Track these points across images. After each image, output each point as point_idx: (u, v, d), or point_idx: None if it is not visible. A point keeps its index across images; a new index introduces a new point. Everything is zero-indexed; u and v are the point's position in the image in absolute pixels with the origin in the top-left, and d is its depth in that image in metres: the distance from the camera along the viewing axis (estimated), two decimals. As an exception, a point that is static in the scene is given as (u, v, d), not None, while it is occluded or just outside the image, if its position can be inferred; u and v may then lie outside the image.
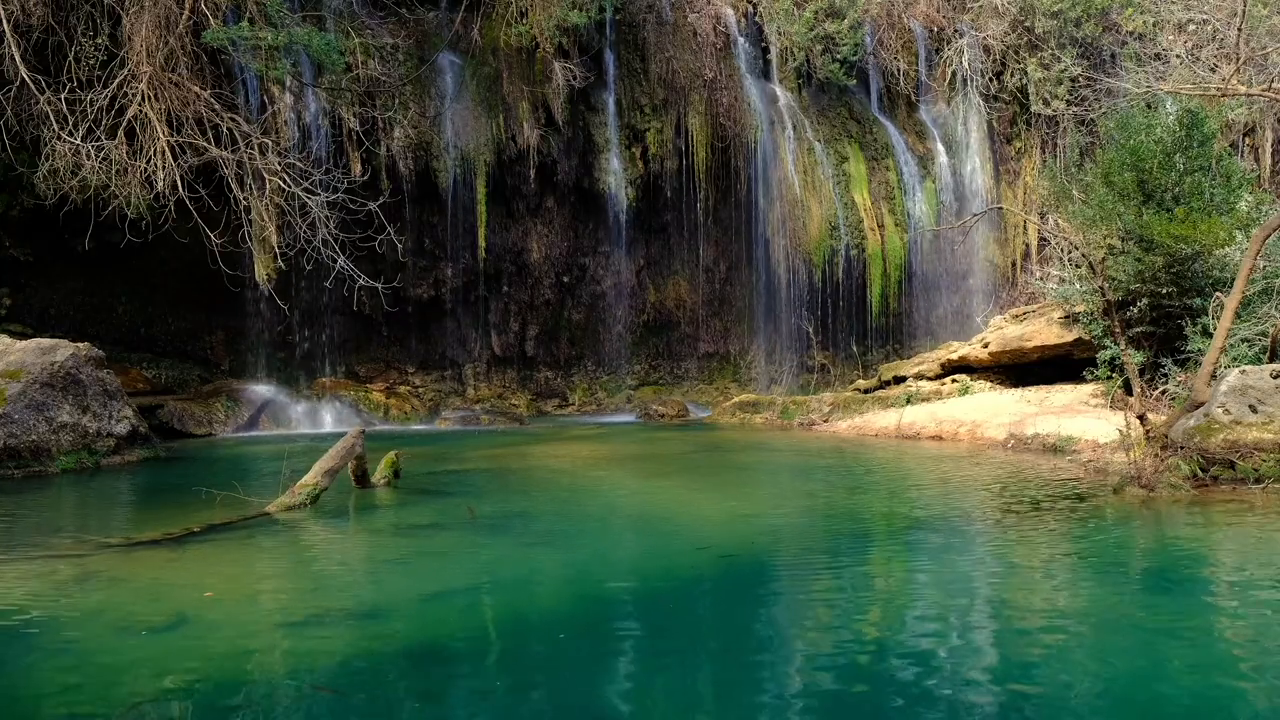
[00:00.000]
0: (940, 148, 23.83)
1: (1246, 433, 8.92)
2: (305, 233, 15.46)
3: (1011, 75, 24.08)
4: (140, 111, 14.69)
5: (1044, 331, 16.11)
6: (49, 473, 11.14)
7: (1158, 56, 20.33)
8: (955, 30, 24.43)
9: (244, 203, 15.45)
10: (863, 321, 23.00)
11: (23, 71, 13.91)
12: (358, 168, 18.59)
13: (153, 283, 18.93)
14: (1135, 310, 13.87)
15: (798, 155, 22.67)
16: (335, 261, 15.28)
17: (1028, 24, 23.67)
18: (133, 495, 10.31)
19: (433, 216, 20.65)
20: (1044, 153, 24.04)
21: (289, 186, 15.22)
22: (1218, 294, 12.26)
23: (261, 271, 17.08)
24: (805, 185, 22.59)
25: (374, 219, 15.80)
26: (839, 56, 23.15)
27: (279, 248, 16.14)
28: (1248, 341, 12.28)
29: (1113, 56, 23.14)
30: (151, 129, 14.67)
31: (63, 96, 14.38)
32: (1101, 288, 11.34)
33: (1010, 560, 6.54)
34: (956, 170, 23.83)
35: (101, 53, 15.13)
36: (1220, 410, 9.15)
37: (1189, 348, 12.84)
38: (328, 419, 18.42)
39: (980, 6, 24.34)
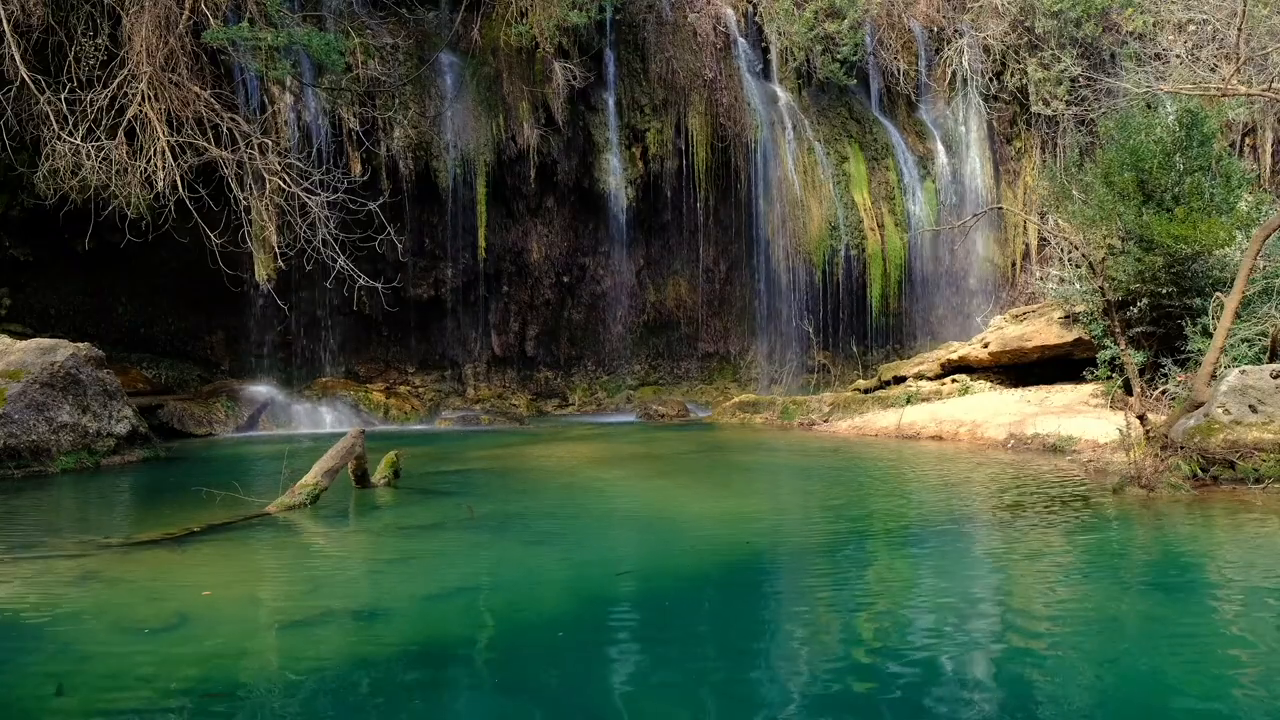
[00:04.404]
0: (940, 148, 23.82)
1: (1246, 433, 8.92)
2: (305, 233, 15.45)
3: (1011, 75, 24.08)
4: (140, 111, 14.68)
5: (1044, 331, 16.11)
6: (49, 473, 11.14)
7: (1158, 56, 20.33)
8: (955, 30, 24.43)
9: (244, 203, 15.43)
10: (863, 321, 23.00)
11: (23, 71, 13.90)
12: (358, 168, 18.59)
13: (153, 283, 18.92)
14: (1135, 310, 13.87)
15: (798, 155, 22.67)
16: (335, 261, 15.27)
17: (1028, 24, 23.67)
18: (133, 495, 10.31)
19: (433, 216, 20.65)
20: (1044, 153, 24.04)
21: (289, 186, 15.21)
22: (1218, 294, 12.25)
23: (261, 271, 17.07)
24: (805, 185, 22.59)
25: (374, 219, 15.79)
26: (839, 56, 23.15)
27: (279, 248, 16.12)
28: (1248, 341, 12.28)
29: (1113, 56, 23.13)
30: (151, 129, 14.66)
31: (63, 96, 14.37)
32: (1101, 288, 11.34)
33: (1010, 560, 6.54)
34: (956, 170, 23.83)
35: (101, 53, 15.12)
36: (1220, 410, 9.15)
37: (1189, 348, 12.84)
38: (328, 419, 18.41)
39: (980, 6, 24.34)
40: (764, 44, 23.70)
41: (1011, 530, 7.39)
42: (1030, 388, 15.75)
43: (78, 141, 14.24)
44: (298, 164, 15.85)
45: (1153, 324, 13.91)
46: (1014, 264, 24.12)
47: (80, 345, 12.53)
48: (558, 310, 22.78)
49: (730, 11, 23.23)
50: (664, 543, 7.36)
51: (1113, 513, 7.99)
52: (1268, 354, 11.29)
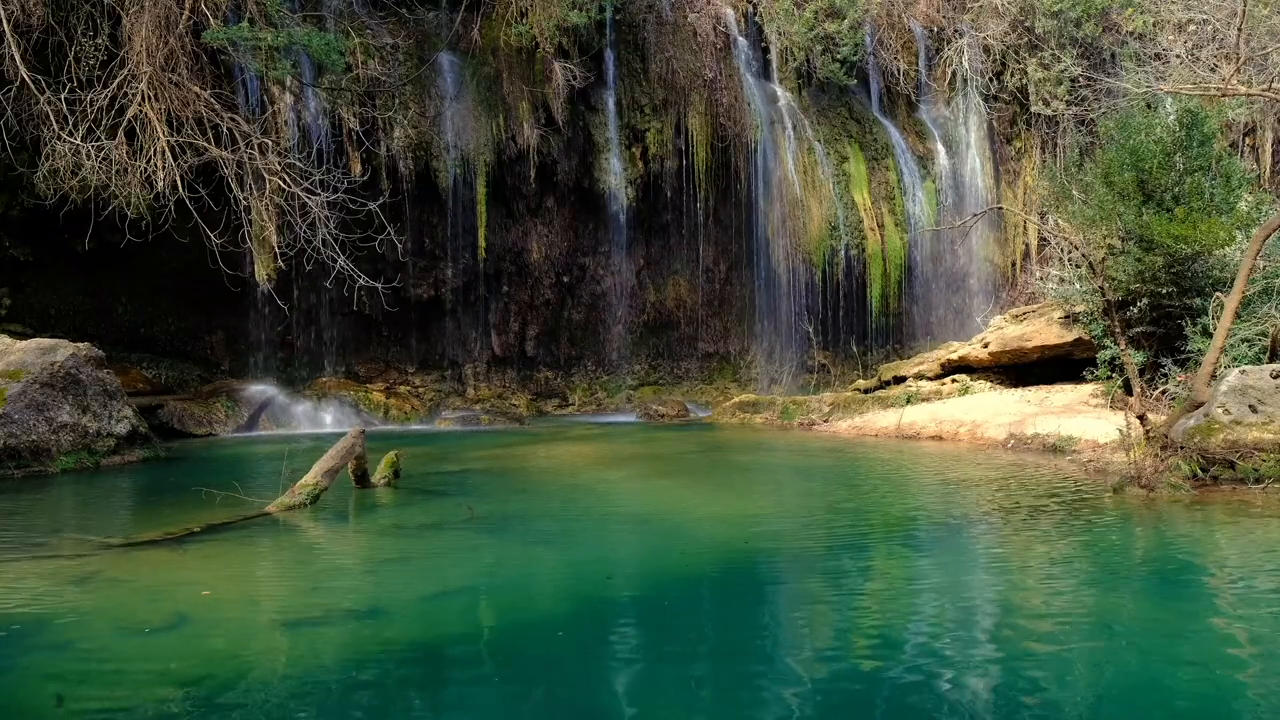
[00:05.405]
0: (940, 148, 23.82)
1: (1246, 433, 8.92)
2: (305, 233, 15.45)
3: (1011, 75, 24.08)
4: (140, 111, 14.68)
5: (1044, 331, 16.11)
6: (49, 473, 11.14)
7: (1158, 56, 20.32)
8: (955, 30, 24.43)
9: (244, 203, 15.44)
10: (863, 321, 22.99)
11: (23, 71, 13.90)
12: (358, 168, 18.59)
13: (153, 283, 18.92)
14: (1135, 310, 13.86)
15: (798, 155, 22.66)
16: (335, 261, 15.27)
17: (1028, 24, 23.66)
18: (133, 495, 10.31)
19: (433, 216, 20.65)
20: (1044, 153, 24.04)
21: (289, 186, 15.21)
22: (1218, 294, 12.25)
23: (261, 271, 17.07)
24: (805, 185, 22.59)
25: (374, 219, 15.79)
26: (839, 56, 23.14)
27: (279, 248, 16.13)
28: (1248, 341, 12.28)
29: (1113, 56, 23.13)
30: (151, 129, 14.66)
31: (63, 96, 14.37)
32: (1101, 288, 11.34)
33: (1010, 560, 6.54)
34: (956, 170, 23.83)
35: (101, 53, 15.12)
36: (1220, 410, 9.15)
37: (1189, 348, 12.84)
38: (328, 419, 18.41)
39: (980, 6, 24.33)
40: (764, 44, 23.70)
41: (1011, 530, 7.39)
42: (1030, 388, 15.75)
43: (78, 141, 14.24)
44: (298, 164, 15.85)
45: (1153, 324, 13.91)
46: (1014, 264, 24.12)
47: (80, 345, 12.53)
48: (558, 310, 22.78)
49: (730, 11, 23.22)
50: (664, 543, 7.36)
51: (1113, 513, 7.99)
52: (1268, 354, 11.29)
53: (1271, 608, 5.25)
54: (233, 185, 15.17)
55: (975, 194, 23.76)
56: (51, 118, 14.21)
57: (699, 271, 23.21)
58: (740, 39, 23.27)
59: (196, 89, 15.25)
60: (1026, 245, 24.02)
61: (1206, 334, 12.34)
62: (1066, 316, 15.89)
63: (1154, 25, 21.93)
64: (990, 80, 24.16)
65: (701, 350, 23.74)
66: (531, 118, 20.63)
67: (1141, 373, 12.19)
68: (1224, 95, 14.10)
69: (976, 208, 22.61)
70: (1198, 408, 9.52)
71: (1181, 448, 9.13)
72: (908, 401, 16.73)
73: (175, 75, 15.17)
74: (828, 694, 4.03)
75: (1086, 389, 14.70)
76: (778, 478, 11.64)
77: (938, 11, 24.58)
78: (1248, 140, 22.45)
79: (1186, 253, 13.52)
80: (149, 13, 14.82)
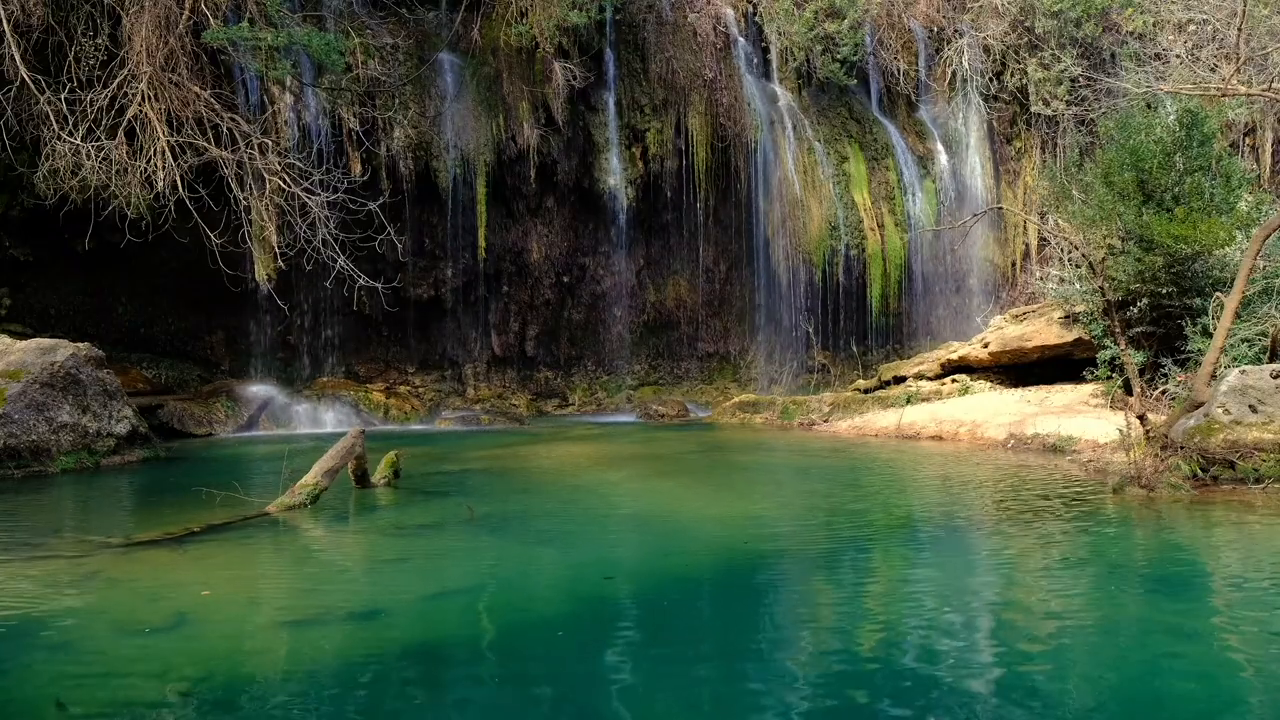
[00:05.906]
0: (940, 148, 23.82)
1: (1246, 433, 8.92)
2: (305, 233, 15.45)
3: (1011, 75, 24.08)
4: (140, 111, 14.67)
5: (1044, 331, 16.11)
6: (49, 473, 11.14)
7: (1158, 56, 20.32)
8: (955, 30, 24.43)
9: (244, 203, 15.43)
10: (863, 321, 22.99)
11: (23, 71, 13.90)
12: (358, 168, 18.58)
13: (153, 283, 18.92)
14: (1135, 310, 13.87)
15: (798, 155, 22.66)
16: (335, 261, 15.27)
17: (1028, 24, 23.66)
18: (133, 495, 10.31)
19: (433, 216, 20.65)
20: (1044, 153, 24.03)
21: (289, 186, 15.21)
22: (1218, 294, 12.25)
23: (261, 271, 17.07)
24: (805, 185, 22.59)
25: (374, 219, 15.80)
26: (839, 56, 23.14)
27: (279, 248, 16.12)
28: (1248, 341, 12.28)
29: (1113, 56, 23.13)
30: (151, 129, 14.66)
31: (63, 96, 14.36)
32: (1101, 288, 11.34)
33: (1010, 561, 6.54)
34: (956, 170, 23.82)
35: (101, 53, 15.12)
36: (1220, 410, 9.15)
37: (1189, 348, 12.84)
38: (328, 419, 18.40)
39: (980, 6, 24.33)
40: (764, 44, 23.70)
41: (1011, 531, 7.39)
42: (1030, 388, 15.75)
43: (78, 141, 14.24)
44: (298, 164, 15.84)
45: (1153, 324, 13.91)
46: (1014, 264, 24.12)
47: (80, 345, 12.53)
48: (558, 310, 22.78)
49: (730, 11, 23.22)
50: (663, 543, 7.36)
51: (1113, 513, 7.99)
52: (1268, 354, 11.29)
53: (1272, 608, 5.25)
54: (233, 185, 15.17)
55: (975, 194, 23.76)
56: (51, 118, 14.21)
57: (699, 271, 23.21)
58: (740, 39, 23.26)
59: (196, 89, 15.25)
60: (1026, 245, 24.02)
61: (1206, 334, 12.34)
62: (1066, 316, 15.89)
63: (1154, 25, 21.92)
64: (990, 80, 24.16)
65: (701, 350, 23.74)
66: (531, 118, 20.63)
67: (1141, 373, 12.19)
68: (1224, 95, 14.09)
69: (976, 208, 22.59)
70: (1198, 408, 9.52)
71: (1181, 448, 9.13)
72: (908, 401, 16.73)
73: (175, 75, 15.17)
74: (828, 695, 4.03)
75: (1086, 389, 14.70)
76: (778, 478, 11.64)
77: (938, 11, 24.58)
78: (1248, 140, 22.45)
79: (1186, 253, 13.52)
80: (149, 13, 14.82)
